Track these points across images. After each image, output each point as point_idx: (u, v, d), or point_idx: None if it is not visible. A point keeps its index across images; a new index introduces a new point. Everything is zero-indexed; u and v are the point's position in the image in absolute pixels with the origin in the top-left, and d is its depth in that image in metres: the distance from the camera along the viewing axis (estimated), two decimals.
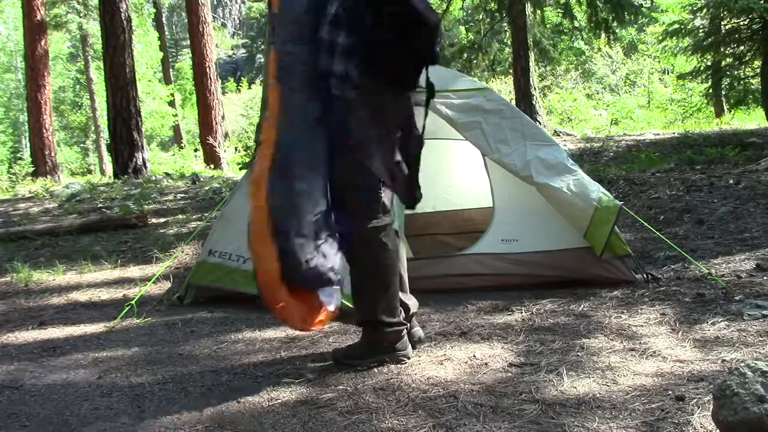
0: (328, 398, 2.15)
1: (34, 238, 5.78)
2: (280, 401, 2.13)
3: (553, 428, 1.85)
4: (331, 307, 2.21)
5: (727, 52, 11.38)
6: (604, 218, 3.34)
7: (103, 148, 22.51)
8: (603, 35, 10.91)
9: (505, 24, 13.32)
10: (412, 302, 2.57)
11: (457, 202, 4.79)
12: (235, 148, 18.70)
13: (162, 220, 6.44)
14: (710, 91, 14.76)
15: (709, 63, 12.55)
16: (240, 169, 14.35)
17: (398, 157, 2.26)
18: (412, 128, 2.29)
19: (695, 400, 1.95)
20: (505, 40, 14.77)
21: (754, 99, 12.85)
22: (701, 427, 1.78)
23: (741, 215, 4.72)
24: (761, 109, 12.04)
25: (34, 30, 13.88)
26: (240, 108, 32.76)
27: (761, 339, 2.46)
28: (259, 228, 2.12)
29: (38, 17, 13.95)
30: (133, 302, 3.38)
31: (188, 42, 16.77)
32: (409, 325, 2.53)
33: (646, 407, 1.94)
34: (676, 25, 12.19)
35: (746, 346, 2.41)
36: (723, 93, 14.59)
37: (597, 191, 3.40)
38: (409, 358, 2.46)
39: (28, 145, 18.26)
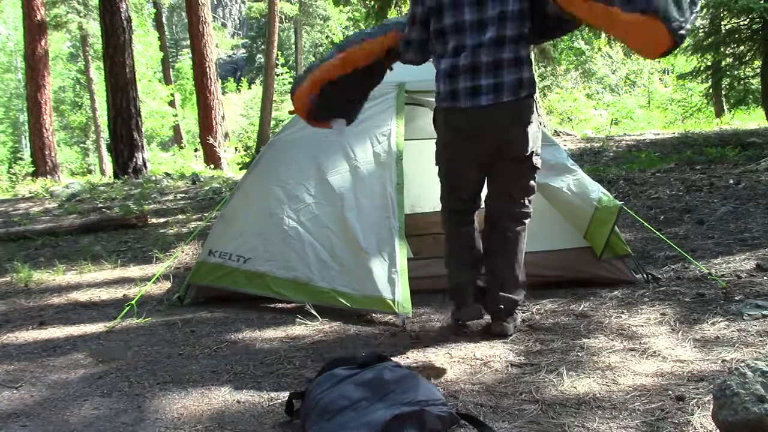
0: None
1: (34, 238, 5.78)
2: (280, 401, 2.13)
3: (553, 428, 1.85)
4: None
5: (727, 52, 11.38)
6: (604, 218, 3.35)
7: (103, 148, 22.51)
8: (603, 35, 10.91)
9: None
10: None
11: None
12: (235, 148, 18.70)
13: (162, 220, 6.44)
14: (710, 91, 14.77)
15: (709, 63, 12.54)
16: (240, 169, 14.36)
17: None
18: None
19: (695, 400, 1.95)
20: None
21: (754, 99, 12.86)
22: (701, 427, 1.78)
23: (741, 215, 4.72)
24: (761, 109, 12.04)
25: (34, 30, 13.87)
26: (240, 108, 32.75)
27: (761, 339, 2.46)
28: None
29: (38, 17, 13.94)
30: (133, 302, 3.38)
31: (188, 42, 16.75)
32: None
33: (646, 407, 1.94)
34: None
35: (746, 346, 2.41)
36: (723, 93, 14.60)
37: (597, 191, 3.41)
38: (476, 315, 2.84)
39: (28, 145, 18.25)
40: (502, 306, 2.76)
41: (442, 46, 2.74)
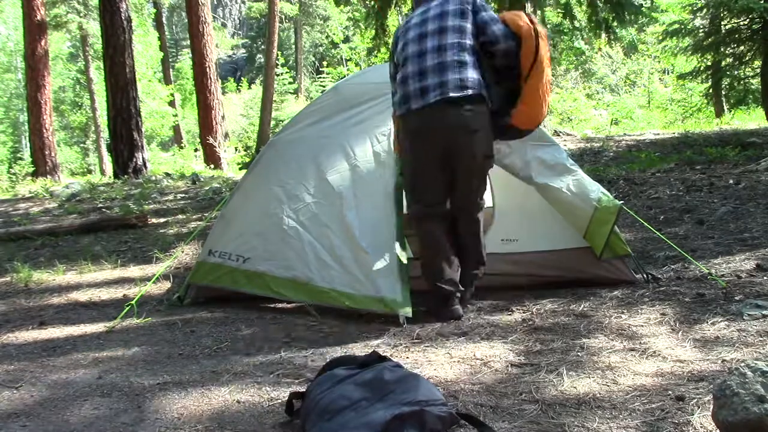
0: None
1: (34, 238, 5.78)
2: (280, 401, 2.13)
3: (553, 428, 1.85)
4: None
5: (727, 52, 11.39)
6: (603, 218, 3.34)
7: (103, 148, 22.49)
8: (603, 35, 10.89)
9: None
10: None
11: None
12: (235, 148, 18.70)
13: (162, 220, 6.44)
14: (710, 91, 14.76)
15: (709, 63, 12.55)
16: (240, 169, 14.35)
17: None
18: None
19: (695, 400, 1.95)
20: None
21: (754, 99, 12.86)
22: (701, 427, 1.78)
23: (741, 215, 4.72)
24: (761, 109, 12.04)
25: (34, 30, 13.86)
26: (240, 108, 32.68)
27: (761, 339, 2.46)
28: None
29: (38, 17, 13.94)
30: (133, 302, 3.38)
31: (188, 42, 16.74)
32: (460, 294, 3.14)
33: (646, 407, 1.94)
34: (676, 25, 12.19)
35: (746, 346, 2.41)
36: (723, 93, 14.59)
37: (597, 191, 3.40)
38: (457, 316, 3.07)
39: (28, 145, 18.24)
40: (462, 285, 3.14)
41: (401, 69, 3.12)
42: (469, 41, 3.00)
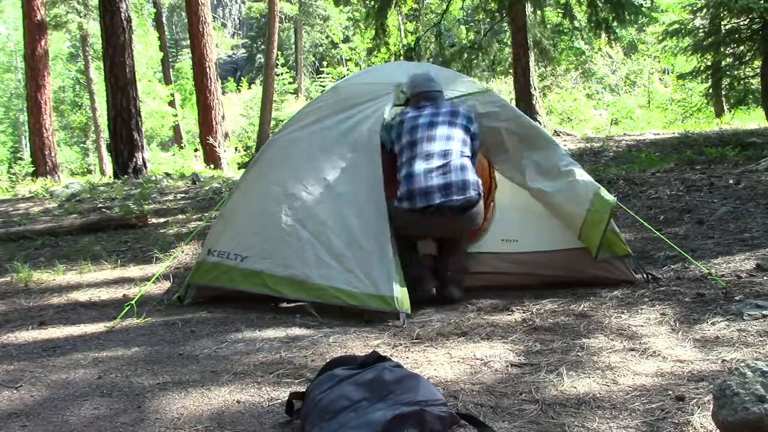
0: None
1: (34, 238, 5.78)
2: (280, 401, 2.13)
3: (553, 428, 1.85)
4: None
5: (727, 52, 11.40)
6: (596, 219, 3.33)
7: (103, 148, 22.51)
8: (603, 35, 10.91)
9: (505, 24, 13.32)
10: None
11: None
12: (235, 148, 18.71)
13: (162, 220, 6.44)
14: (710, 91, 14.77)
15: (709, 63, 12.55)
16: (239, 169, 14.35)
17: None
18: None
19: (695, 400, 1.95)
20: (505, 40, 14.78)
21: (754, 99, 12.88)
22: (701, 427, 1.78)
23: (741, 215, 4.72)
24: (761, 109, 12.04)
25: (34, 30, 13.87)
26: (240, 108, 32.67)
27: (761, 339, 2.46)
28: None
29: (38, 17, 13.94)
30: (133, 302, 3.38)
31: (188, 42, 16.74)
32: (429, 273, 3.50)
33: (646, 407, 1.94)
34: (676, 25, 12.21)
35: (746, 346, 2.41)
36: (723, 93, 14.60)
37: (590, 193, 3.36)
38: (427, 294, 3.44)
39: (28, 145, 18.26)
40: (449, 273, 3.43)
41: (404, 165, 3.37)
42: (469, 149, 3.35)
